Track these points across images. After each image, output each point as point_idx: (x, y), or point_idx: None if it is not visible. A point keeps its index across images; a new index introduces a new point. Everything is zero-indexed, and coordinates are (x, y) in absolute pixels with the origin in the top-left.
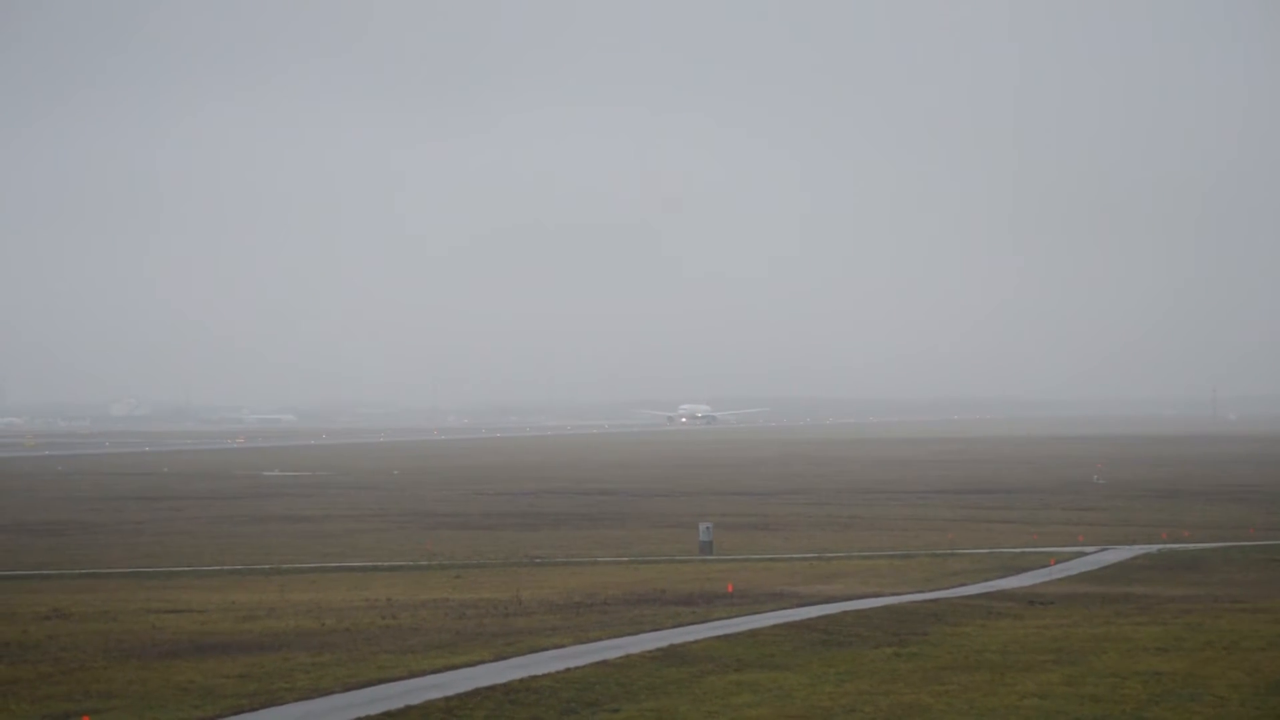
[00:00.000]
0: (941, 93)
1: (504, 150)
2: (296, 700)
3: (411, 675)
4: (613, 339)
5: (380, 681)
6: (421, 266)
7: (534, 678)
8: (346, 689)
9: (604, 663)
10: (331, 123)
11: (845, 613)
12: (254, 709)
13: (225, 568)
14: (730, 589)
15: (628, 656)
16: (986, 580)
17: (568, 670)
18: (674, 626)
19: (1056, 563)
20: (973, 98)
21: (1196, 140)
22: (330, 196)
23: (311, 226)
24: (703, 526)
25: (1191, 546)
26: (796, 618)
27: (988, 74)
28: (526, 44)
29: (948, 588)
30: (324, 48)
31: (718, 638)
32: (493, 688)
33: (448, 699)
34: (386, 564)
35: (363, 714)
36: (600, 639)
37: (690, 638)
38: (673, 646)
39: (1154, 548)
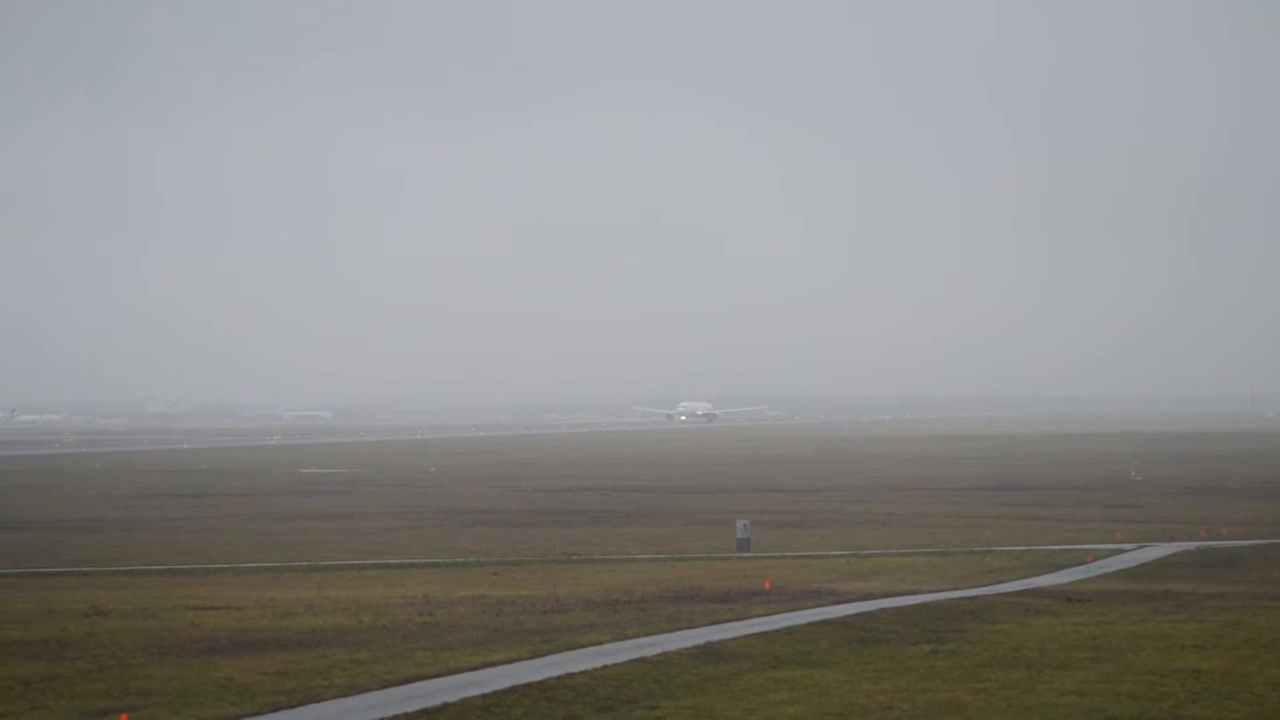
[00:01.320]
0: (945, 92)
1: (517, 150)
2: (334, 697)
3: (449, 672)
4: (653, 336)
5: (417, 679)
6: (458, 266)
7: (571, 675)
8: (384, 686)
9: (641, 660)
10: (364, 123)
11: (882, 610)
12: (292, 706)
13: (263, 565)
14: (767, 586)
15: (665, 654)
16: (1024, 578)
17: (605, 667)
18: (711, 624)
19: (1094, 560)
20: (976, 95)
21: (1199, 139)
22: (368, 197)
23: (350, 227)
24: (740, 524)
25: (1230, 544)
26: (834, 615)
27: (989, 73)
28: (548, 45)
29: (985, 585)
30: (369, 50)
31: (755, 635)
32: (530, 685)
33: (485, 696)
34: (424, 561)
35: (400, 711)
36: (638, 636)
37: (728, 635)
38: (710, 644)
39: (1192, 545)
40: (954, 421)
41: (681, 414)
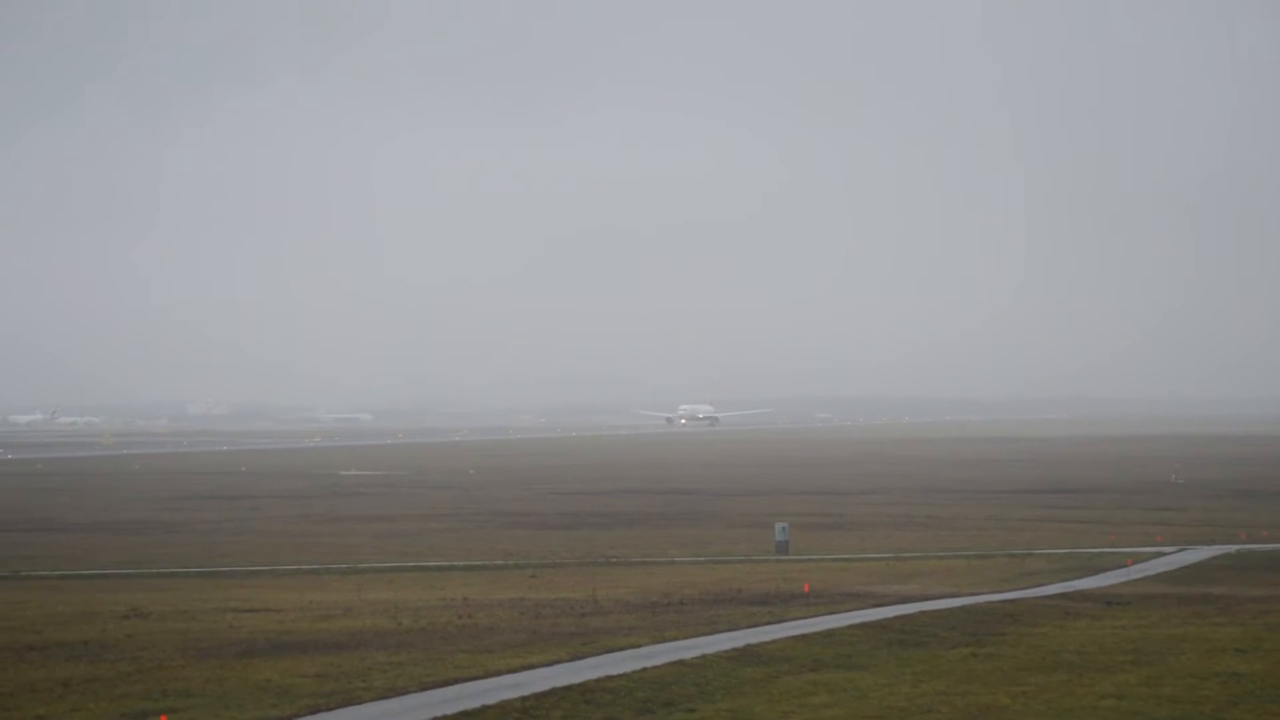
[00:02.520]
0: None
1: (558, 152)
2: (373, 700)
3: (488, 675)
4: (692, 338)
5: (457, 681)
6: (495, 268)
7: (610, 678)
8: (423, 688)
9: (680, 662)
10: (397, 123)
11: (922, 613)
12: (331, 708)
13: (303, 567)
14: (806, 589)
15: (704, 656)
16: (1064, 580)
17: (644, 670)
18: (750, 626)
19: (1134, 563)
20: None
21: (1206, 140)
22: (406, 198)
23: (390, 228)
24: (779, 526)
25: (1271, 546)
26: (873, 618)
27: (992, 72)
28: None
29: (1024, 588)
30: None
31: (794, 638)
32: (569, 688)
33: (524, 699)
34: (463, 563)
35: (439, 714)
36: (676, 639)
37: (766, 638)
38: (749, 646)
39: (1233, 548)
40: (1005, 424)
41: (682, 417)
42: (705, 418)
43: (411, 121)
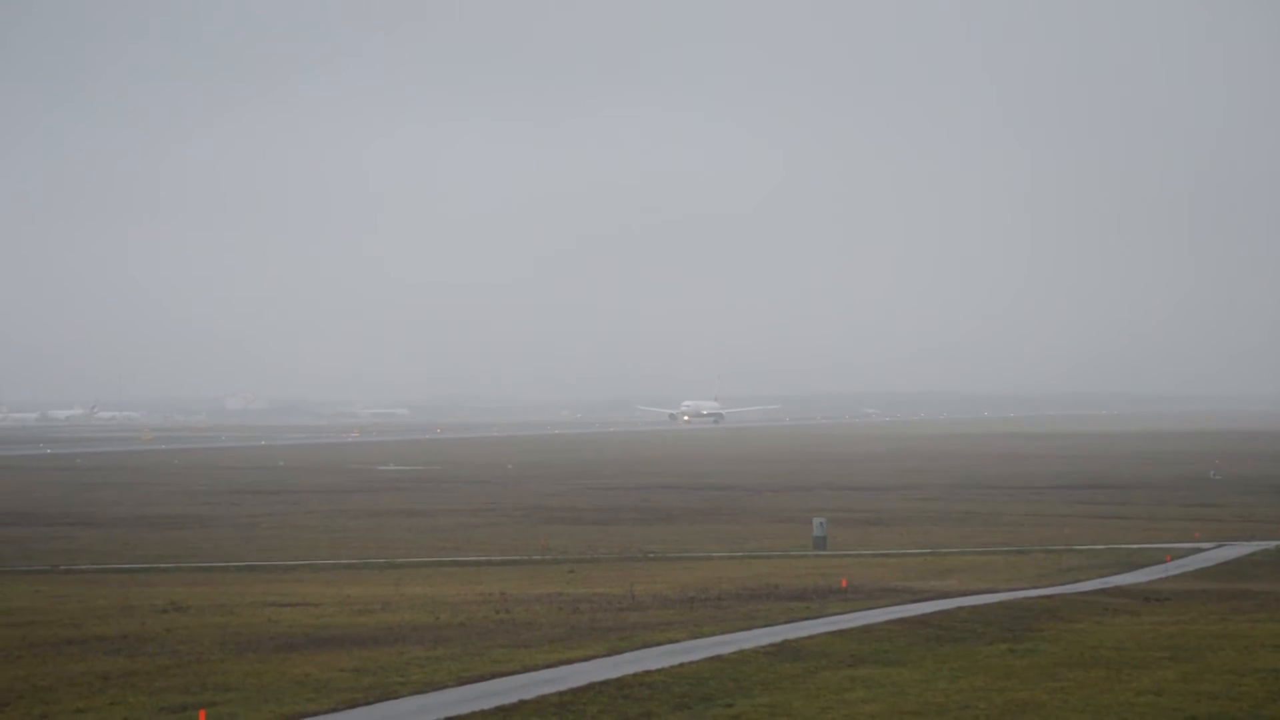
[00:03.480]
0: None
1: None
2: (411, 694)
3: (525, 670)
4: (731, 334)
5: (494, 676)
6: (530, 265)
7: (647, 672)
8: (460, 683)
9: (718, 658)
10: (436, 121)
11: (960, 608)
12: (369, 702)
13: (341, 561)
14: (844, 584)
15: (741, 651)
16: (1102, 576)
17: (681, 665)
18: (788, 622)
19: (1173, 559)
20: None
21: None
22: (444, 196)
23: (426, 225)
24: (817, 522)
25: None
26: (911, 613)
27: (995, 71)
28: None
29: (1063, 584)
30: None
31: (832, 633)
32: (606, 682)
33: (561, 694)
34: (500, 558)
35: (477, 708)
36: (714, 634)
37: (804, 633)
38: (787, 642)
39: (1272, 544)
40: (1039, 420)
41: (684, 414)
42: (709, 414)
43: (423, 119)
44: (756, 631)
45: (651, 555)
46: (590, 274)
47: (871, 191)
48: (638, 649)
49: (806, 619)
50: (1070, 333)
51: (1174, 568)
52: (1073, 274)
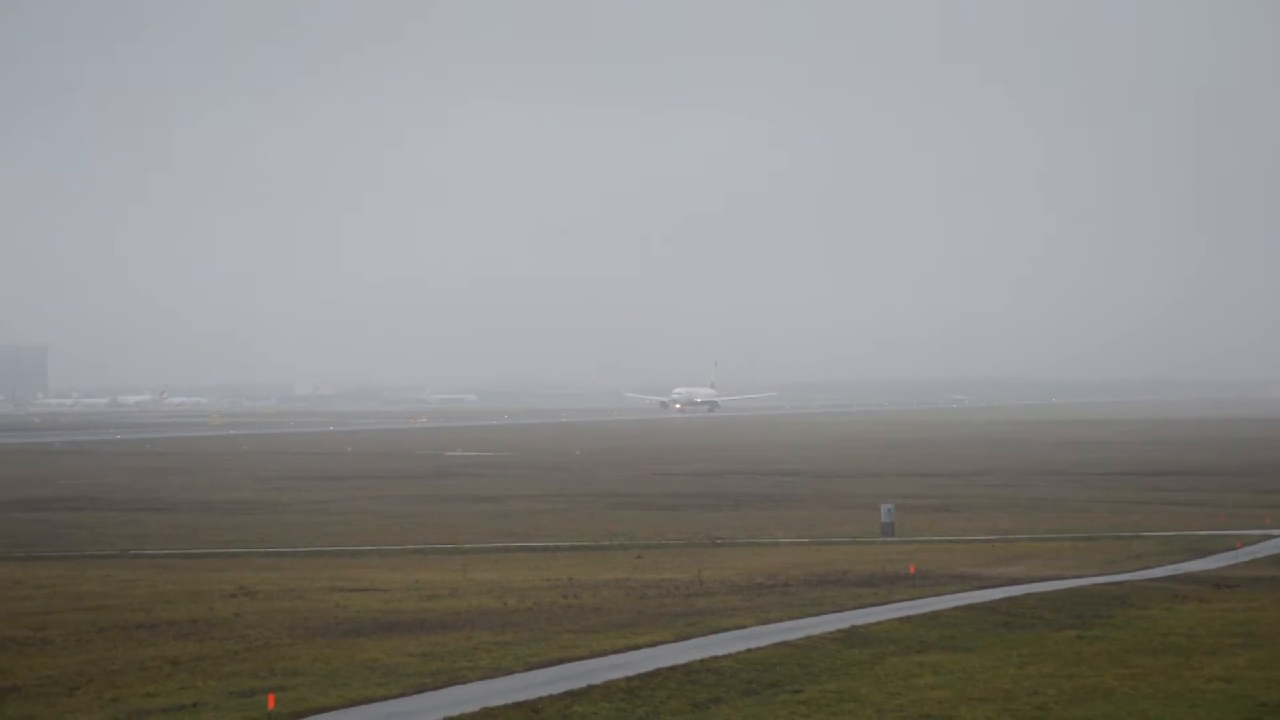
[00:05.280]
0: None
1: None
2: (479, 679)
3: (593, 655)
4: (793, 323)
5: (562, 661)
6: (597, 250)
7: (715, 658)
8: (528, 668)
9: (785, 644)
10: (510, 112)
11: (1028, 595)
12: (437, 687)
13: (408, 547)
14: (912, 570)
15: (809, 637)
16: (1171, 563)
17: (749, 651)
18: (855, 608)
19: (1243, 546)
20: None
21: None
22: (508, 186)
23: (499, 213)
24: (884, 508)
25: None
26: (979, 600)
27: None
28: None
29: (1131, 570)
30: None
31: (899, 619)
32: (674, 668)
33: (629, 679)
34: (568, 544)
35: (544, 693)
36: (781, 620)
37: (872, 619)
38: (854, 628)
39: None
40: (1115, 407)
41: (676, 402)
42: (703, 402)
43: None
44: (824, 617)
45: (719, 541)
46: (688, 262)
47: (881, 186)
48: (705, 635)
49: (874, 605)
50: (1079, 320)
51: (1244, 554)
52: (1083, 263)
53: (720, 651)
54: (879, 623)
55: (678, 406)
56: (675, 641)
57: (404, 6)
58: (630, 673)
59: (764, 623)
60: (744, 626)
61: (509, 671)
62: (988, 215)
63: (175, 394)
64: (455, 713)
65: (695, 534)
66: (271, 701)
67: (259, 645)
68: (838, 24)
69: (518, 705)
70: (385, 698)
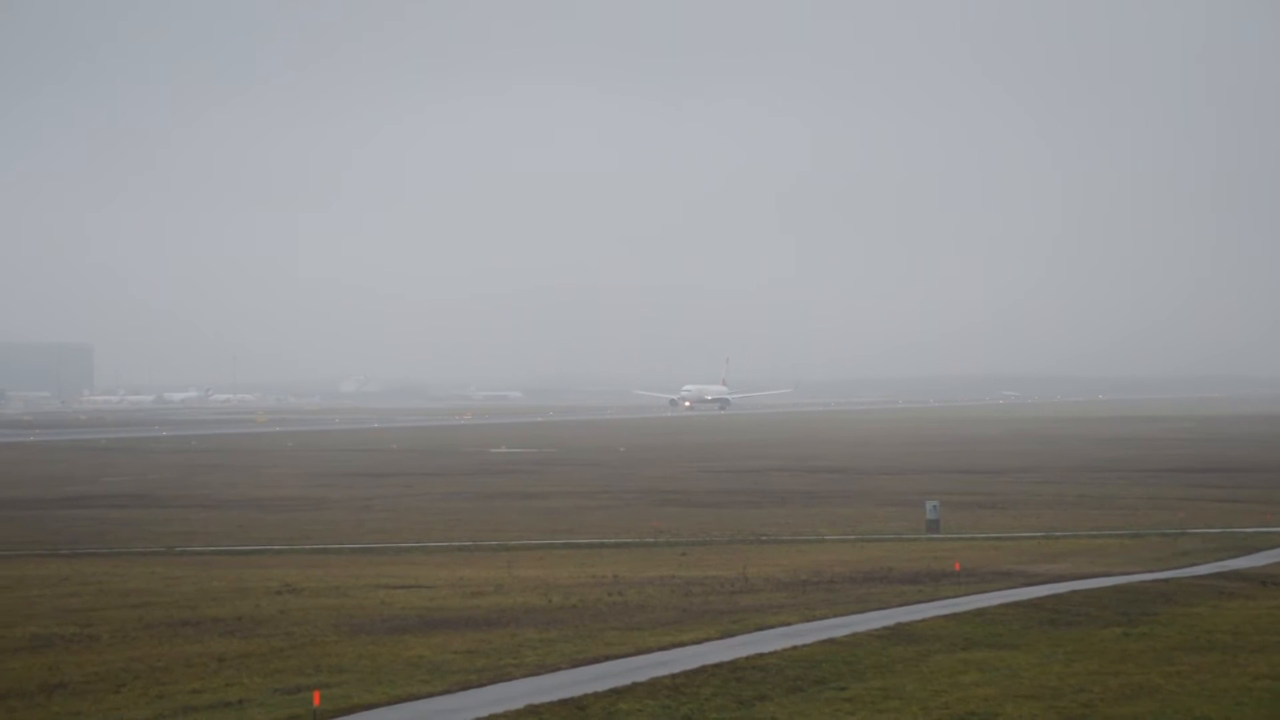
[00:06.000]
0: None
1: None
2: (524, 676)
3: (638, 652)
4: (837, 318)
5: (607, 658)
6: (639, 245)
7: (760, 655)
8: (574, 665)
9: (831, 641)
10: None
11: (1074, 592)
12: (482, 684)
13: (453, 544)
14: (957, 567)
15: (854, 635)
16: (1218, 560)
17: (794, 648)
18: (901, 605)
19: None
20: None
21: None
22: (554, 181)
23: (541, 207)
24: (929, 505)
25: None
26: (1024, 597)
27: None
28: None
29: (1178, 567)
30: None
31: (945, 616)
32: (719, 665)
33: (674, 676)
34: (613, 541)
35: (589, 690)
36: (827, 617)
37: (917, 616)
38: (900, 625)
39: None
40: (1161, 403)
41: (685, 399)
42: (714, 399)
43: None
44: (869, 615)
45: (764, 538)
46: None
47: (885, 182)
48: (750, 632)
49: (919, 602)
50: (1091, 316)
51: None
52: (1095, 259)
53: (765, 649)
54: (924, 620)
55: (687, 404)
56: (720, 639)
57: None
58: (675, 670)
59: (809, 620)
60: (789, 624)
61: (554, 669)
62: (998, 213)
63: (221, 391)
64: (500, 710)
65: (740, 531)
66: (317, 698)
67: (304, 642)
68: (854, 24)
69: (563, 702)
70: (430, 695)
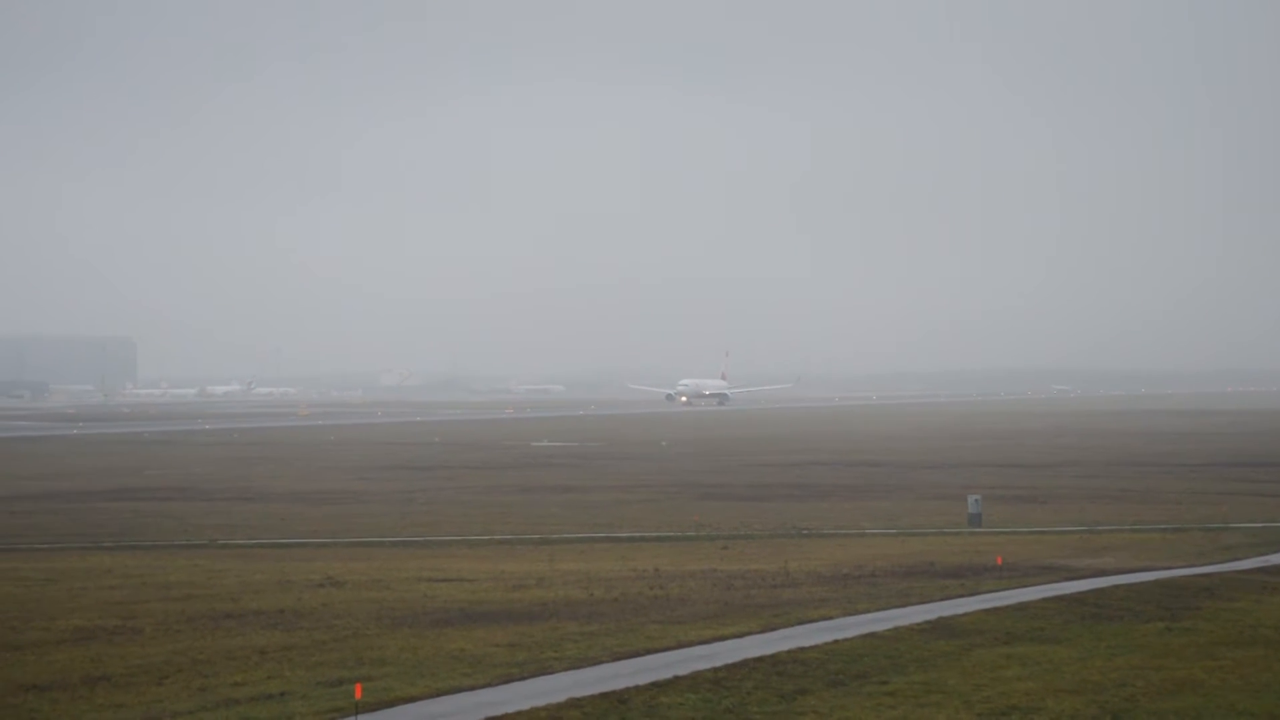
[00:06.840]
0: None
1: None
2: (565, 669)
3: (679, 645)
4: (870, 311)
5: (648, 652)
6: (680, 237)
7: (802, 649)
8: (615, 659)
9: (872, 635)
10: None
11: (1116, 586)
12: (523, 678)
13: (495, 537)
14: (999, 561)
15: (896, 629)
16: (1262, 554)
17: (836, 642)
18: (942, 599)
19: None
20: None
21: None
22: (589, 172)
23: (582, 199)
24: (971, 499)
25: None
26: (1066, 591)
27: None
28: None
29: (1221, 562)
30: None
31: (986, 610)
32: (760, 659)
33: (715, 670)
34: (654, 534)
35: (631, 684)
36: (868, 611)
37: (959, 610)
38: (941, 619)
39: None
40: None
41: (682, 394)
42: (712, 394)
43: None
44: (911, 609)
45: (805, 532)
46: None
47: (890, 180)
48: (792, 625)
49: (961, 596)
50: (1096, 310)
51: None
52: (1101, 253)
53: (807, 643)
54: (966, 614)
55: (683, 400)
56: (762, 632)
57: None
58: (717, 663)
59: (851, 614)
60: (830, 618)
61: (595, 662)
62: (1000, 210)
63: (263, 384)
64: (542, 703)
65: (781, 524)
66: (359, 691)
67: (346, 635)
68: (855, 24)
69: (604, 695)
70: (472, 688)
